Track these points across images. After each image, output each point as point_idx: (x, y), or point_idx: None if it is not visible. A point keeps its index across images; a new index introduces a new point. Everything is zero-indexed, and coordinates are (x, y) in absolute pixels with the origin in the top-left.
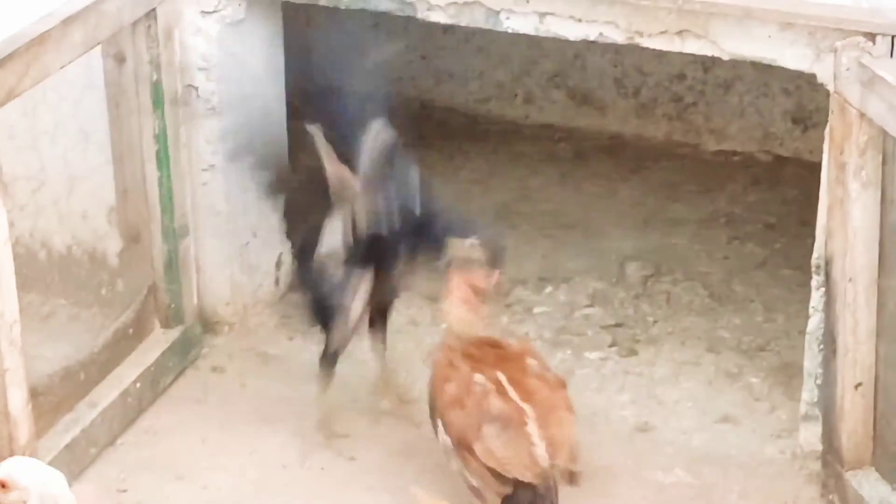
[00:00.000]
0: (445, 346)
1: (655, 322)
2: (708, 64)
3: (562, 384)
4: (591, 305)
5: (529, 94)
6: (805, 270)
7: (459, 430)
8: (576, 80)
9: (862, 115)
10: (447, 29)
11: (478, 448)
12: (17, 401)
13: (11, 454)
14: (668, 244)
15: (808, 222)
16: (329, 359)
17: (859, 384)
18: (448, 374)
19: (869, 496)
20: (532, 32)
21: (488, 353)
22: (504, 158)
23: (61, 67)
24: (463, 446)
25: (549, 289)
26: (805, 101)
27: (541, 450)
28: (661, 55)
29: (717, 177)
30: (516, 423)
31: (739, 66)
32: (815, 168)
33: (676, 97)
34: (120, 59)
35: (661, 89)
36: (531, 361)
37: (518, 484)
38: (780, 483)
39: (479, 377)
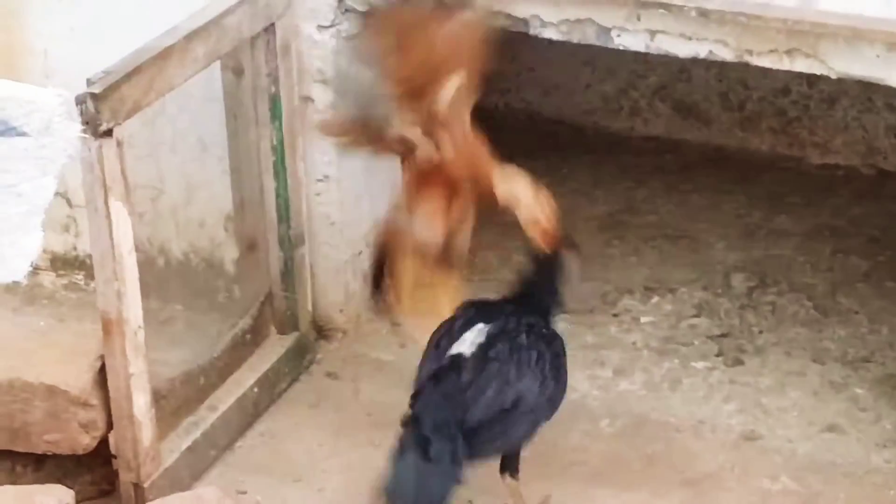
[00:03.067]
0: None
1: (761, 332)
2: (812, 79)
3: None
4: (697, 315)
5: (635, 107)
6: None
7: None
8: (681, 93)
9: None
10: (555, 42)
11: None
12: (142, 404)
13: (136, 455)
14: (772, 256)
15: None
16: None
17: None
18: None
19: None
20: (643, 50)
21: None
22: (610, 170)
23: (184, 81)
24: None
25: (655, 299)
26: None
27: None
28: (766, 70)
29: (821, 190)
30: None
31: (844, 82)
32: None
33: (781, 111)
34: (238, 72)
35: (765, 103)
36: None
37: None
38: (885, 492)
39: None
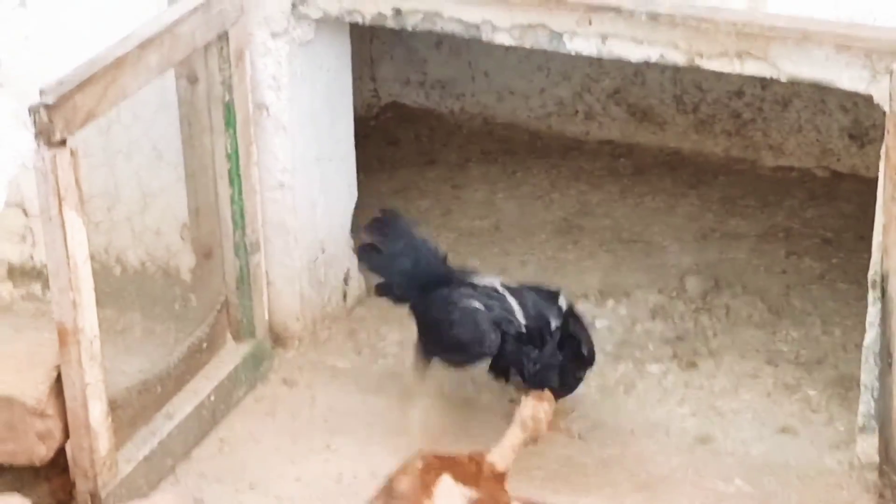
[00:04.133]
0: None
1: (715, 335)
2: (766, 81)
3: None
4: (651, 319)
5: (590, 111)
6: (862, 285)
7: None
8: (636, 97)
9: None
10: (509, 47)
11: None
12: (98, 414)
13: (92, 465)
14: (727, 259)
15: (865, 237)
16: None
17: None
18: None
19: None
20: (594, 54)
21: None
22: (565, 174)
23: (138, 89)
24: None
25: (610, 303)
26: (862, 118)
27: None
28: (719, 73)
29: (775, 192)
30: None
31: (797, 84)
32: (872, 184)
33: (735, 114)
34: (192, 80)
35: (719, 106)
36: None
37: None
38: (837, 493)
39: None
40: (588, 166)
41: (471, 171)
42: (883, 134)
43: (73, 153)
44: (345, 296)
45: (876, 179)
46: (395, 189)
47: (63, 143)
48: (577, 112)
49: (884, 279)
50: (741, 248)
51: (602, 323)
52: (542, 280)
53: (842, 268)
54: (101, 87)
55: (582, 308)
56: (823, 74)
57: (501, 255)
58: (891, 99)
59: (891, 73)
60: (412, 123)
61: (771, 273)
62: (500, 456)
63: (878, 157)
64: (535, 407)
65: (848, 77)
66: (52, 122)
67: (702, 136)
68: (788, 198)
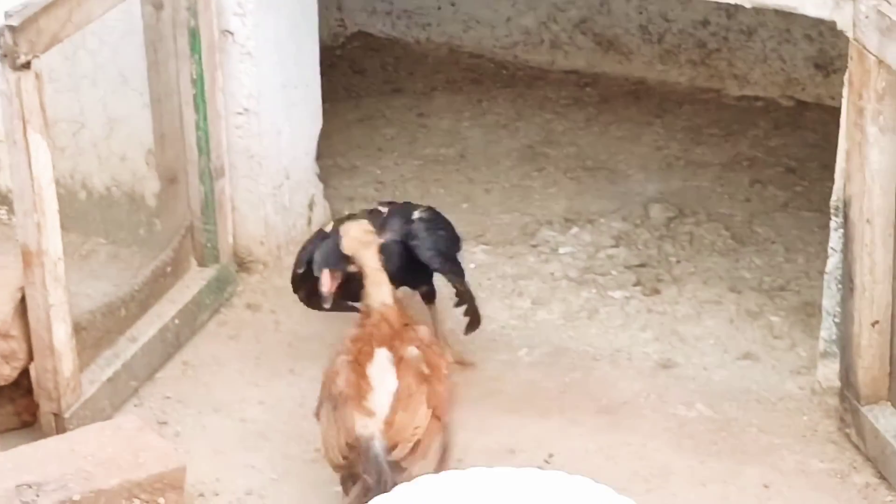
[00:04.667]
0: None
1: (678, 262)
2: (731, 10)
3: (440, 378)
4: (615, 246)
5: (556, 40)
6: (825, 212)
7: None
8: (601, 27)
9: (880, 62)
10: None
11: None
12: (62, 335)
13: (56, 386)
14: (691, 187)
15: (829, 166)
16: None
17: (876, 322)
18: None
19: (885, 429)
20: None
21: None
22: (530, 102)
23: (103, 13)
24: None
25: (574, 230)
26: (827, 47)
27: (351, 433)
28: (685, 1)
29: (740, 121)
30: (342, 403)
31: (762, 13)
32: (836, 113)
33: (700, 43)
34: (158, 6)
35: (685, 35)
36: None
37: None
38: (798, 418)
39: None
40: (553, 95)
41: (436, 100)
42: (847, 63)
43: (37, 76)
44: (309, 221)
45: (840, 109)
46: (361, 117)
47: (27, 65)
48: (542, 41)
49: (846, 205)
50: (705, 176)
51: (566, 249)
52: (507, 208)
53: (805, 196)
54: (66, 10)
55: (547, 235)
56: (787, 1)
57: (466, 183)
58: (854, 25)
59: None
60: (378, 52)
61: (735, 201)
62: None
63: (843, 86)
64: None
65: (812, 3)
66: (17, 45)
67: (667, 66)
68: (753, 127)
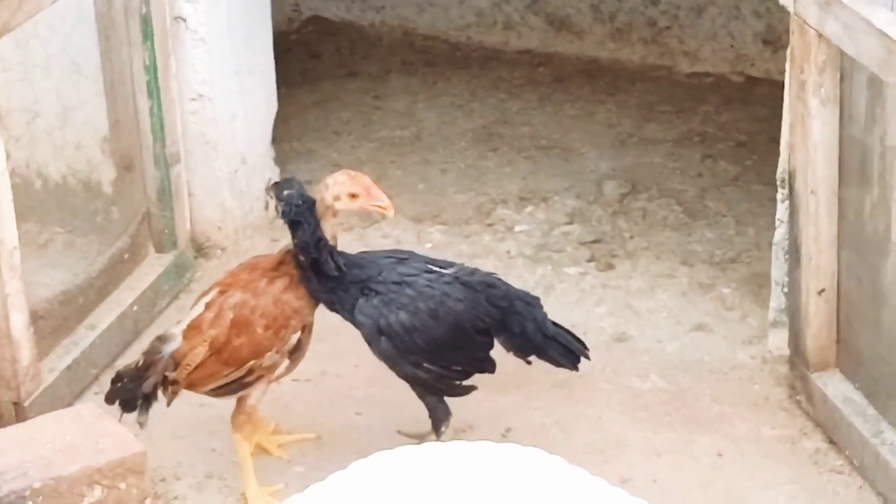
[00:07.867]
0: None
1: (632, 237)
2: None
3: (246, 323)
4: (569, 223)
5: (509, 21)
6: (775, 186)
7: None
8: (554, 7)
9: (820, 36)
10: None
11: None
12: (19, 324)
13: (15, 375)
14: (643, 163)
15: (778, 140)
16: None
17: (822, 290)
18: None
19: (833, 395)
20: None
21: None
22: (485, 83)
23: (53, 2)
24: None
25: (529, 208)
26: (775, 23)
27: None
28: None
29: (691, 98)
30: None
31: None
32: None
33: (651, 21)
34: None
35: (636, 14)
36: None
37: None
38: (750, 386)
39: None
40: (507, 75)
41: (391, 83)
42: None
43: None
44: (266, 206)
45: None
46: (317, 101)
47: None
48: (496, 22)
49: (791, 176)
50: (657, 152)
51: (521, 227)
52: (462, 188)
53: (755, 170)
54: None
55: (502, 214)
56: None
57: (422, 164)
58: (794, 1)
59: None
60: (333, 36)
61: (686, 176)
62: None
63: None
64: None
65: None
66: None
67: (619, 45)
68: (704, 103)
